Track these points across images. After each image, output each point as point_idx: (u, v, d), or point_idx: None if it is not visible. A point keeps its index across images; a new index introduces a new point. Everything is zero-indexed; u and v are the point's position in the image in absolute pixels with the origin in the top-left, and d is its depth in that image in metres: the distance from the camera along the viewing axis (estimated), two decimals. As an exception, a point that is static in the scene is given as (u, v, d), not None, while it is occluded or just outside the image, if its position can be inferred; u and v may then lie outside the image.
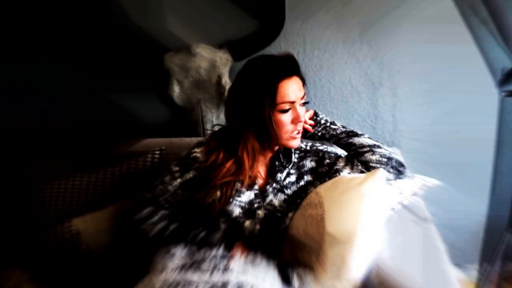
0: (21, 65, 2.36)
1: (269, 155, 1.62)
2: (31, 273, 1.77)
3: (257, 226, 1.49)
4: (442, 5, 2.08)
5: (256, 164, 1.54)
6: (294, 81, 1.45)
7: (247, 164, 1.50)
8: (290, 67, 1.47)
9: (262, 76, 1.44)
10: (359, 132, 1.65)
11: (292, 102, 1.45)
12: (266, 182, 1.59)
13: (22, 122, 2.43)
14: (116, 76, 2.45)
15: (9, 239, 1.92)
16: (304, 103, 1.52)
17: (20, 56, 2.34)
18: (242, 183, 1.52)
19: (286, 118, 1.46)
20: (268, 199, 1.54)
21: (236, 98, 1.51)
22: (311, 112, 1.68)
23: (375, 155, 1.56)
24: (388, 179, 1.55)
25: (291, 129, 1.48)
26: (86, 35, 2.32)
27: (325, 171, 1.63)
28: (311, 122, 1.66)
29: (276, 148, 1.61)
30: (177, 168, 1.58)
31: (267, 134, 1.47)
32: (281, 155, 1.63)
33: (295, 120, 1.47)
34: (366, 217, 1.27)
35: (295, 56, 1.51)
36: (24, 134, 2.43)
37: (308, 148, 1.70)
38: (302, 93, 1.48)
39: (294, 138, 1.51)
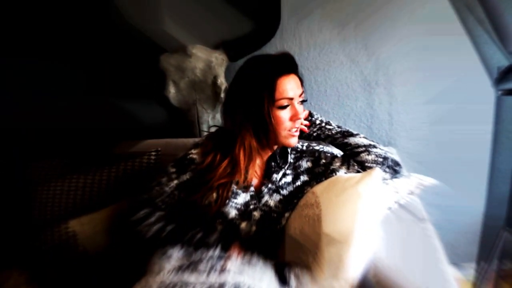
0: (20, 65, 2.35)
1: (266, 156, 1.62)
2: (29, 275, 1.76)
3: (253, 228, 1.49)
4: (438, 4, 2.09)
5: (252, 163, 1.54)
6: (292, 78, 1.47)
7: (242, 162, 1.50)
8: (288, 64, 1.49)
9: (261, 72, 1.45)
10: (355, 132, 1.65)
11: (291, 99, 1.46)
12: (262, 183, 1.59)
13: (21, 122, 2.42)
14: (112, 77, 2.45)
15: (7, 240, 1.91)
16: (302, 101, 1.52)
17: (19, 56, 2.33)
18: (237, 184, 1.52)
19: (284, 114, 1.47)
20: (263, 200, 1.54)
21: (235, 95, 1.52)
22: (306, 113, 1.68)
23: (371, 155, 1.56)
24: (384, 179, 1.56)
25: (289, 126, 1.49)
26: (83, 36, 2.31)
27: (322, 171, 1.63)
28: (306, 122, 1.66)
29: (275, 147, 1.61)
30: (173, 170, 1.58)
31: (265, 131, 1.47)
32: (277, 156, 1.63)
33: (293, 117, 1.48)
34: (363, 216, 1.27)
35: (291, 56, 1.52)
36: (23, 134, 2.42)
37: (304, 148, 1.71)
38: (300, 91, 1.50)
39: (293, 135, 1.52)
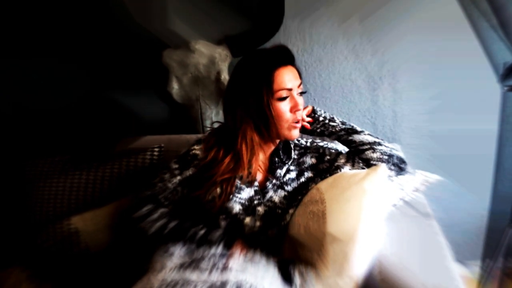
0: (20, 62, 2.35)
1: (269, 151, 1.62)
2: (31, 272, 1.76)
3: (257, 223, 1.48)
4: (444, 0, 2.07)
5: (256, 158, 1.53)
6: (289, 69, 1.48)
7: (245, 156, 1.49)
8: (284, 56, 1.50)
9: (258, 65, 1.46)
10: (359, 129, 1.63)
11: (289, 90, 1.46)
12: (266, 179, 1.58)
13: (22, 119, 2.43)
14: (115, 73, 2.44)
15: (8, 238, 1.90)
16: (302, 93, 1.52)
17: (19, 54, 2.33)
18: (241, 179, 1.52)
19: (284, 106, 1.47)
20: (268, 196, 1.53)
21: (234, 91, 1.52)
22: (309, 109, 1.66)
23: (376, 152, 1.55)
24: (389, 176, 1.55)
25: (290, 118, 1.49)
26: (84, 32, 2.31)
27: (326, 167, 1.62)
28: (309, 119, 1.64)
29: (277, 141, 1.61)
30: (176, 166, 1.57)
31: (266, 124, 1.47)
32: (280, 152, 1.62)
33: (293, 109, 1.48)
34: (368, 213, 1.26)
35: (295, 51, 1.51)
36: (23, 131, 2.42)
37: (308, 144, 1.71)
38: (298, 82, 1.50)
39: (294, 127, 1.51)
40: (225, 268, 1.24)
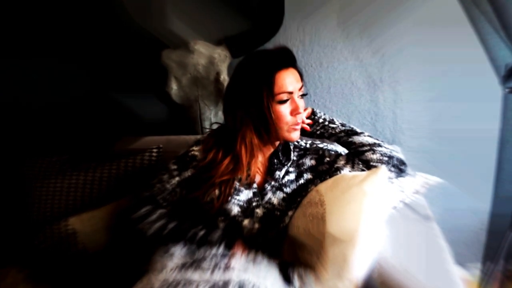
0: (20, 62, 2.35)
1: (268, 153, 1.61)
2: (27, 273, 1.75)
3: (256, 225, 1.47)
4: (444, 1, 2.06)
5: (255, 160, 1.52)
6: (291, 72, 1.46)
7: (244, 159, 1.48)
8: (286, 58, 1.48)
9: (259, 67, 1.45)
10: (359, 130, 1.63)
11: (290, 93, 1.45)
12: (265, 180, 1.57)
13: (19, 118, 2.42)
14: (114, 73, 2.44)
15: (5, 238, 1.90)
16: (303, 95, 1.51)
17: (19, 54, 2.32)
18: (240, 181, 1.51)
19: (284, 109, 1.46)
20: (266, 198, 1.53)
21: (234, 92, 1.51)
22: (309, 111, 1.66)
23: (376, 154, 1.54)
24: (390, 178, 1.53)
25: (290, 121, 1.47)
26: (83, 32, 2.30)
27: (325, 169, 1.61)
28: (309, 121, 1.64)
29: (277, 143, 1.60)
30: (175, 167, 1.56)
31: (266, 127, 1.46)
32: (280, 153, 1.61)
33: (294, 112, 1.47)
34: (368, 215, 1.26)
35: (295, 52, 1.50)
36: (21, 131, 2.41)
37: (307, 146, 1.70)
38: (299, 85, 1.49)
39: (295, 129, 1.50)
40: (227, 267, 1.23)
